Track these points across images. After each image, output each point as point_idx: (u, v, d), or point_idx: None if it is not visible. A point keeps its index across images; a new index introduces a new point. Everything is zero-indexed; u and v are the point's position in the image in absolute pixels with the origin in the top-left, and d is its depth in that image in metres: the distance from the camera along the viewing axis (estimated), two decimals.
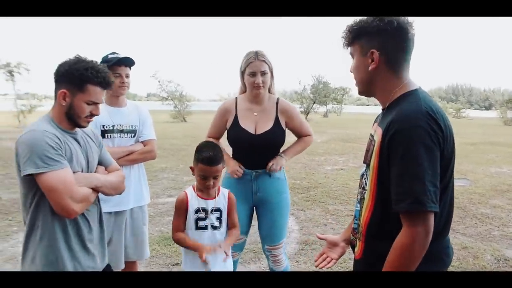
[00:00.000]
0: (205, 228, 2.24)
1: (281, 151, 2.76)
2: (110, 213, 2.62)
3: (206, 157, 2.14)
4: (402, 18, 1.43)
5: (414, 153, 1.28)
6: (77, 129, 1.90)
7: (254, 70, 2.58)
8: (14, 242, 4.43)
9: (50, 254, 1.74)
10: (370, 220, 1.50)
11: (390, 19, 1.42)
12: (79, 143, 1.87)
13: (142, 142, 2.80)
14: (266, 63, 2.60)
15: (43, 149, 1.64)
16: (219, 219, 2.27)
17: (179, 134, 16.69)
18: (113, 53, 2.72)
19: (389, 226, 1.40)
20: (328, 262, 1.80)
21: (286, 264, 2.90)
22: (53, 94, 1.83)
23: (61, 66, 1.78)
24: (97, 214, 1.97)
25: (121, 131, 2.71)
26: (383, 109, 1.56)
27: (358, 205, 1.63)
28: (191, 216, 2.23)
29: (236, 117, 2.68)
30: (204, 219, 2.23)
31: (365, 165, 1.59)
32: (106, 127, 2.66)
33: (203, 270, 2.18)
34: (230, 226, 2.33)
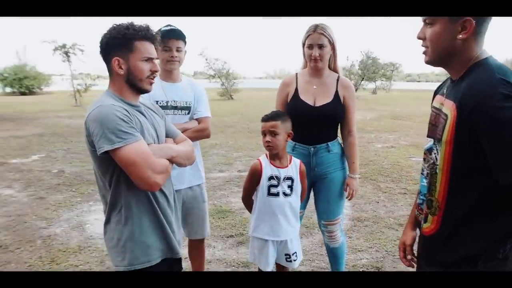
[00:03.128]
0: (277, 194, 2.37)
1: (347, 164, 2.77)
2: None
3: (264, 115, 2.36)
4: None
5: (502, 121, 1.22)
6: (140, 102, 1.85)
7: (311, 43, 2.55)
8: (79, 212, 4.75)
9: (138, 234, 1.72)
10: (448, 194, 1.45)
11: None
12: (145, 116, 1.81)
13: (196, 119, 2.69)
14: (325, 36, 2.55)
15: (115, 123, 1.57)
16: (290, 187, 2.40)
17: (227, 111, 16.89)
18: (168, 25, 2.62)
19: (468, 199, 1.38)
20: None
21: (343, 240, 2.88)
22: (105, 73, 1.78)
23: (102, 39, 1.74)
24: (171, 187, 1.93)
25: (175, 108, 2.62)
26: (453, 81, 1.48)
27: (425, 180, 1.59)
28: (264, 183, 2.36)
29: (296, 90, 2.67)
30: (276, 186, 2.37)
31: (431, 139, 1.54)
32: (160, 103, 2.55)
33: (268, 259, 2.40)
34: (302, 194, 2.50)
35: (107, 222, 1.77)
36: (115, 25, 1.73)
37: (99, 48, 1.76)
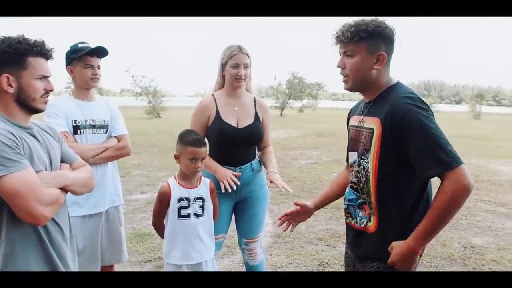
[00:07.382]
0: (188, 216, 2.30)
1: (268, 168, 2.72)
2: (84, 216, 2.46)
3: (195, 139, 2.25)
4: (392, 25, 1.66)
5: (424, 126, 1.51)
6: (32, 123, 1.68)
7: (238, 62, 2.55)
8: None
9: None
10: (381, 196, 1.68)
11: (390, 26, 1.64)
12: (37, 139, 1.64)
13: (115, 137, 2.64)
14: (248, 57, 2.60)
15: None
16: (201, 207, 2.33)
17: (153, 130, 16.49)
18: (83, 42, 2.52)
19: (397, 197, 1.65)
20: (293, 227, 2.21)
21: (262, 257, 2.88)
22: None
23: None
24: (67, 217, 1.76)
25: (93, 127, 2.53)
26: (368, 102, 1.75)
27: (351, 190, 1.83)
28: (174, 205, 2.28)
29: (218, 112, 2.62)
30: (186, 207, 2.29)
31: (354, 153, 1.79)
32: (78, 122, 2.47)
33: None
34: (215, 212, 2.44)
35: None
36: (2, 38, 1.56)
37: None
